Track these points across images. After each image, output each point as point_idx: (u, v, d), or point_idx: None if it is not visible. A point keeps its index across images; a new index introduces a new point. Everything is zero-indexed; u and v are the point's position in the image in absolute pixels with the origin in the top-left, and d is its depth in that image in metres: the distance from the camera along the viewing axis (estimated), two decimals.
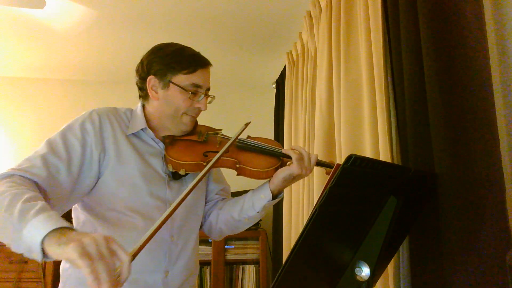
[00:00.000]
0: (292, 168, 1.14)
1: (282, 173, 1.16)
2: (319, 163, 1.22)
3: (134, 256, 0.74)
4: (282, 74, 3.15)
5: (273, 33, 2.72)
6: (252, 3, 2.34)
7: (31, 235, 0.78)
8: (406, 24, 1.21)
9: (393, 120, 1.36)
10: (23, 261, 2.68)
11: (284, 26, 2.61)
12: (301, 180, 2.29)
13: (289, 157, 1.16)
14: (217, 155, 1.11)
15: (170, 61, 1.18)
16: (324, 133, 1.83)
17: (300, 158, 1.14)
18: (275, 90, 3.40)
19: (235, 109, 3.54)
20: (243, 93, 3.67)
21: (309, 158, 1.16)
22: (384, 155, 1.32)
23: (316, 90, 2.03)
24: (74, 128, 1.12)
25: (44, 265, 2.69)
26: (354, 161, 0.83)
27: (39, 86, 3.49)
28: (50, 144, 1.07)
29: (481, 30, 0.95)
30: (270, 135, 3.33)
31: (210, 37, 2.75)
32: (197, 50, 1.25)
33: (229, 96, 3.55)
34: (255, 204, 1.21)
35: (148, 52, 1.24)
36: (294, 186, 2.46)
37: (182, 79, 1.17)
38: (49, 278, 2.67)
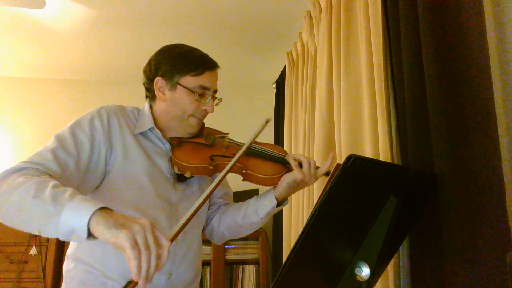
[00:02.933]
0: (294, 173, 1.14)
1: (286, 179, 1.16)
2: (327, 173, 1.21)
3: (172, 241, 0.83)
4: (282, 74, 3.15)
5: (273, 33, 2.72)
6: (252, 3, 2.34)
7: (73, 216, 0.80)
8: (406, 24, 1.21)
9: (393, 120, 1.36)
10: (23, 261, 2.68)
11: (284, 26, 2.61)
12: None
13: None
14: (241, 150, 1.12)
15: (178, 63, 1.18)
16: (324, 133, 1.83)
17: (303, 165, 1.15)
18: (275, 90, 3.40)
19: (235, 109, 3.54)
20: (243, 93, 3.66)
21: (309, 162, 1.16)
22: (384, 155, 1.32)
23: (316, 90, 2.04)
24: (83, 125, 1.12)
25: (44, 265, 2.69)
26: (354, 161, 0.84)
27: (39, 86, 3.49)
28: (60, 139, 1.07)
29: (481, 30, 0.95)
30: (270, 135, 3.33)
31: (210, 37, 2.76)
32: None
33: (229, 96, 3.53)
34: (258, 210, 1.20)
35: (156, 53, 1.23)
36: None
37: (189, 80, 1.17)
38: (49, 278, 2.67)
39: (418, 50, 1.12)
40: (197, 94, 1.17)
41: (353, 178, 0.88)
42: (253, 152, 1.21)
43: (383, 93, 1.36)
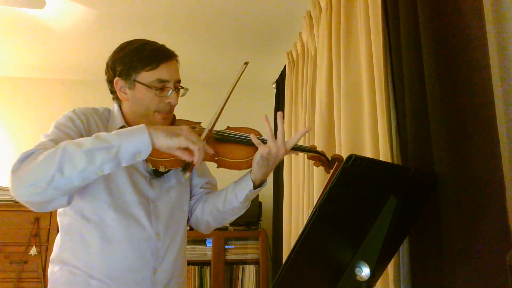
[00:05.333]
0: (259, 149, 1.12)
1: (255, 158, 1.14)
2: (297, 148, 1.20)
3: (205, 139, 1.10)
4: (282, 74, 3.15)
5: (273, 33, 2.72)
6: (252, 4, 2.34)
7: (133, 140, 0.95)
8: (406, 24, 1.21)
9: (393, 120, 1.36)
10: (23, 261, 2.68)
11: (284, 26, 2.61)
12: (301, 180, 2.30)
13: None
14: (212, 123, 1.15)
15: (131, 60, 1.17)
16: (324, 133, 1.83)
17: (268, 138, 1.13)
18: (275, 90, 3.40)
19: (235, 109, 3.53)
20: (243, 93, 3.66)
21: (279, 136, 1.13)
22: (384, 155, 1.32)
23: (316, 90, 2.04)
24: (66, 123, 1.12)
25: (44, 265, 2.69)
26: (354, 161, 0.83)
27: (39, 86, 3.49)
28: (49, 135, 1.07)
29: (481, 30, 0.95)
30: None
31: (210, 38, 2.75)
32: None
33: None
34: (237, 194, 1.20)
35: (111, 54, 1.23)
36: (294, 186, 2.46)
37: (145, 76, 1.16)
38: None
39: (418, 50, 1.12)
40: (156, 89, 1.16)
41: (353, 178, 0.88)
42: (223, 137, 1.20)
43: (383, 93, 1.36)
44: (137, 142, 0.95)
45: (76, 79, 3.52)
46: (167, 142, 0.97)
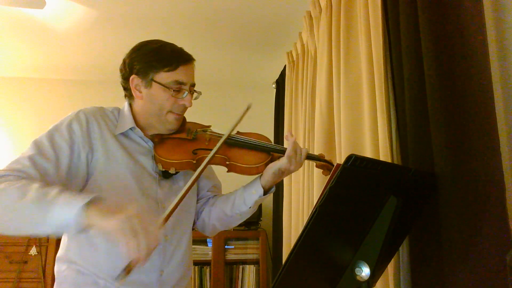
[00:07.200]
0: (281, 162, 1.15)
1: (271, 168, 1.16)
2: (309, 157, 1.22)
3: (163, 223, 0.93)
4: (282, 74, 3.15)
5: (273, 33, 2.72)
6: (252, 3, 2.34)
7: (64, 211, 0.86)
8: (406, 24, 1.21)
9: (393, 120, 1.36)
10: (23, 261, 2.68)
11: (284, 26, 2.61)
12: (301, 180, 2.30)
13: (279, 152, 1.18)
14: (222, 139, 1.13)
15: (151, 59, 1.17)
16: (324, 133, 1.83)
17: (291, 154, 1.14)
18: (275, 90, 3.40)
19: (235, 108, 3.53)
20: (243, 93, 3.66)
21: (301, 153, 1.16)
22: (384, 155, 1.32)
23: (316, 90, 2.04)
24: (61, 129, 1.11)
25: (44, 265, 2.69)
26: (354, 161, 0.84)
27: (39, 86, 3.49)
28: (37, 145, 1.06)
29: (481, 30, 0.95)
30: (270, 135, 3.33)
31: (210, 37, 2.75)
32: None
33: (229, 96, 3.55)
34: (246, 199, 1.21)
35: (129, 51, 1.23)
36: (294, 186, 2.46)
37: (164, 77, 1.15)
38: (49, 278, 2.67)
39: (418, 50, 1.12)
40: (173, 90, 1.16)
41: (353, 178, 0.88)
42: (235, 142, 1.21)
43: (383, 93, 1.36)
44: (64, 217, 0.86)
45: (76, 79, 3.52)
46: (99, 222, 0.85)
